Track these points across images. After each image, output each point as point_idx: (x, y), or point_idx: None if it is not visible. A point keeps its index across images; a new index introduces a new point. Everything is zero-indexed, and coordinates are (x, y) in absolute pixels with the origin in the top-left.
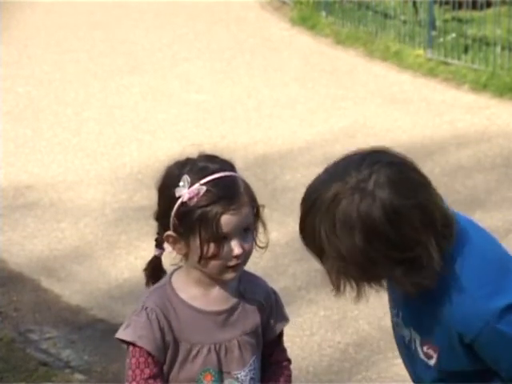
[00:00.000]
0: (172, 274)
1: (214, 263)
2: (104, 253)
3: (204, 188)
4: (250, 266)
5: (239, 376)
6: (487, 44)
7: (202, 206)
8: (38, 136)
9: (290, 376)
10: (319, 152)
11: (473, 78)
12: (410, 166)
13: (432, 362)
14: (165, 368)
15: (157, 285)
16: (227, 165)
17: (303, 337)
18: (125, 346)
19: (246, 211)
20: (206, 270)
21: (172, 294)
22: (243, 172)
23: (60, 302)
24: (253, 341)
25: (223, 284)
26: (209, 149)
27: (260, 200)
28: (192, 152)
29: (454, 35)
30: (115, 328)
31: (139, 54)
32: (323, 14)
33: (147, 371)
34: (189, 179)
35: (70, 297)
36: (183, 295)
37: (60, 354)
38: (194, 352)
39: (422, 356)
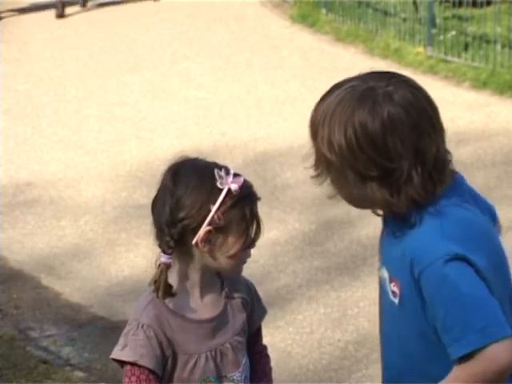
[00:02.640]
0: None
1: (240, 256)
2: (104, 250)
3: (242, 178)
4: (250, 265)
5: (235, 377)
6: (487, 42)
7: (245, 195)
8: (37, 133)
9: (270, 361)
10: None
11: (473, 76)
12: (428, 98)
13: (397, 300)
14: (164, 382)
15: (144, 298)
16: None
17: (303, 334)
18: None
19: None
20: (225, 266)
21: (162, 306)
22: (243, 169)
23: (60, 300)
24: (242, 339)
25: (213, 288)
26: (209, 146)
27: (260, 197)
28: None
29: (454, 33)
30: (115, 326)
31: (139, 51)
32: (323, 11)
33: None
34: (224, 171)
35: (70, 294)
36: (173, 306)
37: (60, 352)
38: (191, 362)
39: (390, 296)
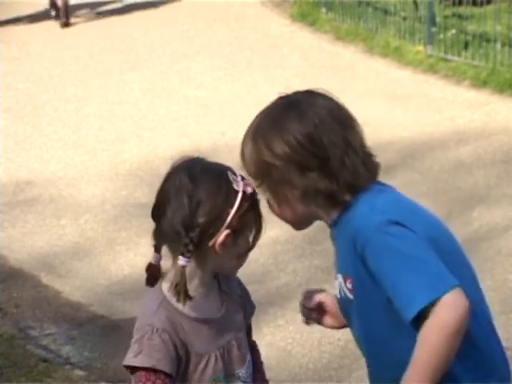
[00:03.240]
0: (160, 286)
1: (245, 255)
2: (104, 249)
3: (249, 180)
4: (250, 263)
5: (241, 374)
6: (487, 40)
7: (254, 197)
8: (37, 132)
9: (261, 356)
10: None
11: (473, 75)
12: (343, 105)
13: (352, 295)
14: None
15: (152, 301)
16: None
17: (303, 333)
18: (123, 369)
19: None
20: (231, 266)
21: (172, 308)
22: (243, 168)
23: (60, 299)
24: (244, 335)
25: (213, 288)
26: (209, 145)
27: (260, 196)
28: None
29: (454, 31)
30: (115, 324)
31: (139, 50)
32: (323, 10)
33: None
34: (237, 173)
35: (70, 293)
36: (182, 308)
37: (60, 351)
38: (203, 363)
39: (348, 294)
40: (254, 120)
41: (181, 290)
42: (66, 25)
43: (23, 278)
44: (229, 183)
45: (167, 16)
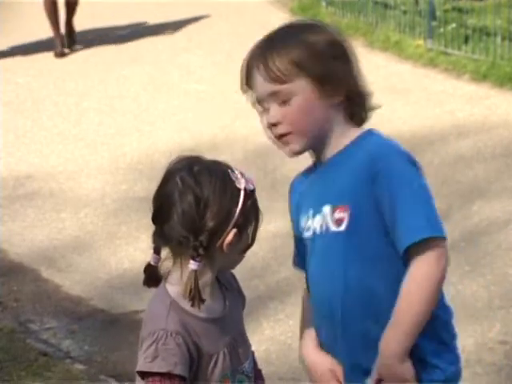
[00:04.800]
0: (165, 288)
1: (247, 250)
2: (104, 243)
3: (247, 174)
4: (250, 257)
5: (245, 369)
6: (487, 34)
7: (253, 191)
8: (37, 126)
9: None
10: None
11: (473, 68)
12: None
13: (343, 226)
14: None
15: (161, 304)
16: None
17: None
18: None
19: None
20: (234, 262)
21: (181, 310)
22: (243, 162)
23: (60, 293)
24: (244, 328)
25: (215, 285)
26: (209, 139)
27: (260, 190)
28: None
29: (454, 25)
30: (115, 318)
31: (140, 44)
32: (323, 4)
33: None
34: (236, 170)
35: (70, 287)
36: (190, 309)
37: (60, 345)
38: (212, 362)
39: (332, 227)
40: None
41: (195, 295)
42: (62, 54)
43: (23, 272)
44: (232, 182)
45: (167, 10)
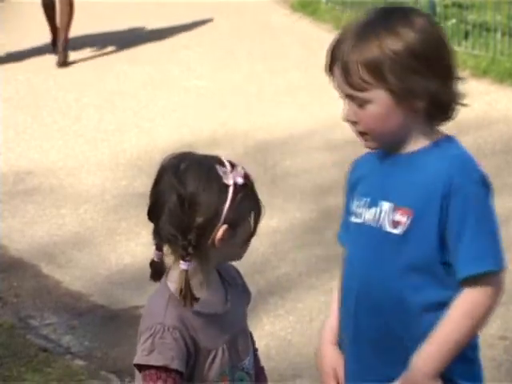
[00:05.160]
0: (165, 282)
1: (249, 241)
2: (104, 239)
3: (239, 167)
4: (250, 253)
5: (245, 366)
6: (487, 30)
7: (247, 183)
8: (37, 122)
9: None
10: (319, 138)
11: (473, 64)
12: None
13: (399, 229)
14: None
15: (160, 298)
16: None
17: (303, 323)
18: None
19: None
20: (234, 255)
21: (179, 305)
22: (243, 158)
23: (60, 288)
24: (247, 325)
25: (216, 280)
26: (209, 135)
27: (260, 186)
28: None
29: (454, 21)
30: (115, 314)
31: (139, 42)
32: (323, 0)
33: None
34: (226, 163)
35: (71, 283)
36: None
37: (60, 340)
38: (210, 358)
39: (387, 229)
40: (355, 24)
41: (187, 295)
42: (65, 64)
43: (23, 268)
44: (219, 178)
45: (167, 7)
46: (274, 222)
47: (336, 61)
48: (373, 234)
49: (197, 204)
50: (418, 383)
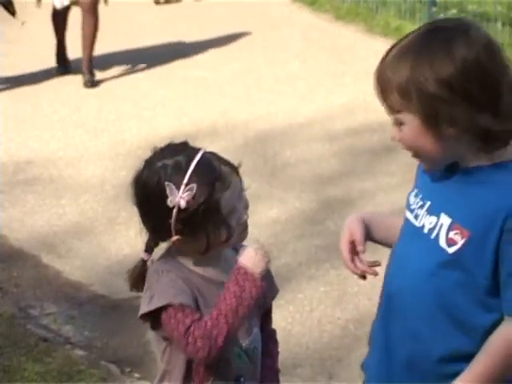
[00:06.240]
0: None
1: (225, 245)
2: (104, 229)
3: (195, 185)
4: (250, 243)
5: (243, 345)
6: (488, 20)
7: (202, 202)
8: (37, 112)
9: (278, 346)
10: (319, 128)
11: None
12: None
13: (453, 249)
14: None
15: (163, 262)
16: (185, 146)
17: (303, 313)
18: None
19: (236, 179)
20: (223, 244)
21: (180, 265)
22: (243, 148)
23: (60, 278)
24: (257, 310)
25: (218, 259)
26: (209, 125)
27: (260, 176)
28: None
29: (454, 11)
30: (115, 304)
31: (140, 32)
32: None
33: (190, 318)
34: (172, 186)
35: (71, 273)
36: (192, 267)
37: (60, 330)
38: None
39: (441, 244)
40: (403, 40)
41: (133, 283)
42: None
43: (23, 258)
44: (163, 198)
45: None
46: (274, 212)
47: (377, 82)
48: (426, 242)
49: (143, 215)
50: None
